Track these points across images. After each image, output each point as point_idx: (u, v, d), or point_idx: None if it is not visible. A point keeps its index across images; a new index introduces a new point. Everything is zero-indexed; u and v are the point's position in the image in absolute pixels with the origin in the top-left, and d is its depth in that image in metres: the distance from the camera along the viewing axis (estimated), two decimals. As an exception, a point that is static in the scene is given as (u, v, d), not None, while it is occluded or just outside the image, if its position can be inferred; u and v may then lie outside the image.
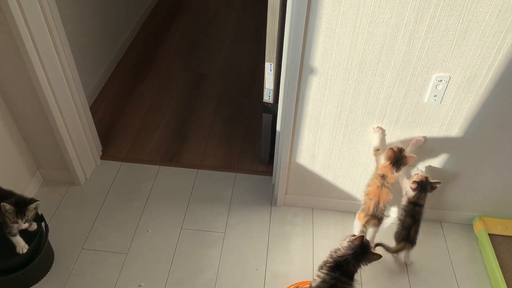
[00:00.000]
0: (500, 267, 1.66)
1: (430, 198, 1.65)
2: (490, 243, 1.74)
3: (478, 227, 1.82)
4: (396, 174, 1.57)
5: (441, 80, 1.42)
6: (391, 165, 1.55)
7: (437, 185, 1.60)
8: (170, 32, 3.16)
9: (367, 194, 1.62)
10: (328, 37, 1.37)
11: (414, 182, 1.59)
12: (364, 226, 1.62)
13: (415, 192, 1.61)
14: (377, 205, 1.59)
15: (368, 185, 1.63)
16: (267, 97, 1.87)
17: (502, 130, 1.55)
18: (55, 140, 1.84)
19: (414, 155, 1.55)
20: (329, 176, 1.82)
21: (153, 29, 3.18)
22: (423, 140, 1.61)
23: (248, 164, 2.18)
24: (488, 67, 1.38)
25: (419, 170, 1.66)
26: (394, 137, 1.62)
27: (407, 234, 1.65)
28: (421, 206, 1.64)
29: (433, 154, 1.66)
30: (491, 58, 1.36)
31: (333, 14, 1.31)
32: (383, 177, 1.58)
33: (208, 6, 3.51)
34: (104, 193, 1.99)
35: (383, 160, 1.57)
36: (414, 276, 1.72)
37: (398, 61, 1.39)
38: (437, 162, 1.69)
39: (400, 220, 1.67)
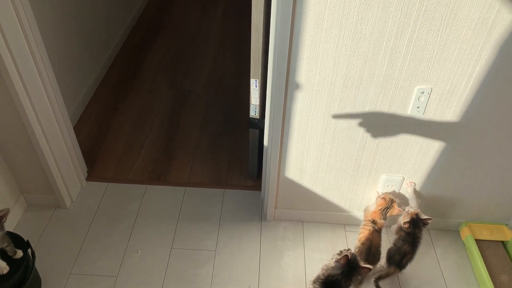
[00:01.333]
0: (488, 271, 1.70)
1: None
2: (477, 248, 1.77)
3: (465, 233, 1.85)
4: (382, 221, 1.68)
5: (423, 92, 1.46)
6: (381, 211, 1.67)
7: (428, 221, 1.63)
8: (153, 49, 3.16)
9: (359, 240, 1.66)
10: (312, 54, 1.39)
11: (405, 222, 1.62)
12: None
13: (407, 231, 1.64)
14: (369, 248, 1.63)
15: (360, 232, 1.69)
16: (253, 112, 1.88)
17: (483, 138, 1.59)
18: (39, 164, 1.81)
19: (400, 209, 1.67)
20: (317, 189, 1.83)
21: (135, 47, 3.17)
22: (414, 183, 1.74)
23: (237, 179, 2.18)
24: (468, 78, 1.43)
25: (410, 206, 1.69)
26: (380, 147, 1.65)
27: (400, 260, 1.65)
28: (419, 237, 1.66)
29: (417, 165, 1.69)
30: (469, 70, 1.40)
31: (316, 31, 1.34)
32: (373, 222, 1.67)
33: (189, 22, 3.53)
34: (91, 215, 1.96)
35: (373, 208, 1.71)
36: (405, 285, 1.73)
37: (381, 75, 1.42)
38: (422, 171, 1.72)
39: (396, 245, 1.67)
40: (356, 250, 1.68)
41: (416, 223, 1.62)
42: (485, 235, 1.84)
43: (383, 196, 1.69)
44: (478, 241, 1.82)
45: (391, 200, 1.68)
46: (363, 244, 1.66)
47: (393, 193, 1.79)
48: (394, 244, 1.67)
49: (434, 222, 1.91)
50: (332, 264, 1.42)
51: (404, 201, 1.78)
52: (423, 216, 1.63)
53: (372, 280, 1.66)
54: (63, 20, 2.29)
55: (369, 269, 1.41)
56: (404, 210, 1.67)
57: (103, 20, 2.80)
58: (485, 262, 1.74)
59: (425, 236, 1.91)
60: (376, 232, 1.69)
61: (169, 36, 3.33)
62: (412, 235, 1.64)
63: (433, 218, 1.88)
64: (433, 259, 1.83)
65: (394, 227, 1.72)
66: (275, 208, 1.94)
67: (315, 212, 1.93)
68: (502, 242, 1.84)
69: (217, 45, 3.25)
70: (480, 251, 1.78)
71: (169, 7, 3.70)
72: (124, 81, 2.83)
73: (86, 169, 2.14)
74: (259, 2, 1.53)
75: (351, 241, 1.88)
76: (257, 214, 2.00)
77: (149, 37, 3.29)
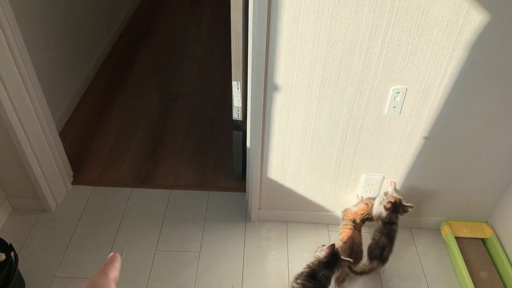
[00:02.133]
0: (467, 268, 1.73)
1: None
2: (457, 245, 1.80)
3: (445, 231, 1.88)
4: (361, 222, 1.74)
5: (398, 92, 1.49)
6: (362, 215, 1.73)
7: (409, 209, 1.67)
8: (140, 54, 3.18)
9: (341, 240, 1.69)
10: (289, 56, 1.42)
11: (389, 202, 1.65)
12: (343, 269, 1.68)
13: (387, 213, 1.67)
14: (351, 248, 1.66)
15: (341, 232, 1.72)
16: (236, 114, 1.91)
17: (460, 136, 1.63)
18: (24, 169, 1.82)
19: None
20: (300, 189, 1.86)
21: (123, 52, 3.19)
22: (394, 183, 1.78)
23: (222, 181, 2.20)
24: (441, 78, 1.46)
25: (397, 192, 1.76)
26: (359, 147, 1.68)
27: (381, 253, 1.68)
28: (396, 224, 1.70)
29: (396, 164, 1.73)
30: (442, 70, 1.44)
31: (292, 34, 1.37)
32: (353, 221, 1.72)
33: (177, 27, 3.56)
34: (76, 218, 1.97)
35: (354, 209, 1.76)
36: (386, 282, 1.76)
37: (356, 76, 1.46)
38: (402, 170, 1.75)
39: (374, 239, 1.71)
40: (339, 249, 1.71)
41: (397, 208, 1.67)
42: (465, 232, 1.87)
43: (366, 202, 1.73)
44: (458, 239, 1.85)
45: (369, 207, 1.73)
46: (345, 243, 1.69)
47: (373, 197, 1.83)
48: (373, 239, 1.70)
49: (415, 220, 1.95)
50: (317, 253, 1.46)
51: None
52: (406, 203, 1.67)
53: (357, 272, 1.69)
54: (47, 24, 2.31)
55: (349, 261, 1.45)
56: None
57: (90, 25, 2.82)
58: (465, 259, 1.77)
59: (407, 234, 1.94)
60: (357, 231, 1.72)
61: (157, 41, 3.36)
62: (387, 226, 1.67)
63: (414, 216, 1.92)
64: (414, 256, 1.86)
65: (375, 212, 1.75)
66: (259, 209, 1.96)
67: (298, 212, 1.95)
68: (482, 239, 1.88)
69: (204, 49, 3.28)
70: (460, 248, 1.81)
71: (156, 12, 3.73)
72: (111, 86, 2.85)
73: (71, 173, 2.16)
74: (238, 6, 1.56)
75: (334, 240, 1.90)
76: (242, 215, 2.02)
77: (136, 42, 3.31)
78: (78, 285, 0.51)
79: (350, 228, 1.70)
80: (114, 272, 0.55)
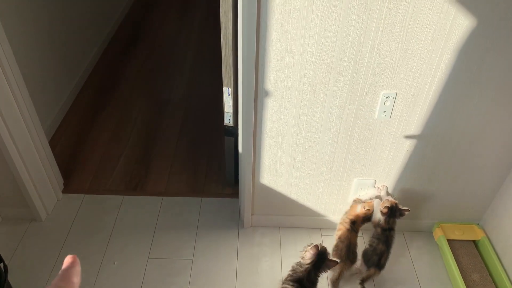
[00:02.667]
0: (460, 271, 1.73)
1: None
2: (449, 248, 1.81)
3: (438, 233, 1.89)
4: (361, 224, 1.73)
5: (388, 97, 1.50)
6: (362, 218, 1.72)
7: (406, 212, 1.68)
8: (130, 60, 3.17)
9: (339, 238, 1.69)
10: (279, 62, 1.42)
11: (385, 207, 1.66)
12: (341, 270, 1.68)
13: (385, 218, 1.67)
14: (348, 247, 1.66)
15: (339, 229, 1.72)
16: (228, 120, 1.90)
17: (450, 140, 1.64)
18: (13, 178, 1.80)
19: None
20: (292, 194, 1.86)
21: (112, 58, 3.18)
22: (386, 187, 1.79)
23: (214, 187, 2.19)
24: (430, 82, 1.47)
25: (390, 195, 1.76)
26: (350, 151, 1.68)
27: (378, 260, 1.68)
28: (393, 230, 1.70)
29: (388, 168, 1.73)
30: (431, 74, 1.45)
31: (281, 40, 1.37)
32: (353, 222, 1.71)
33: (167, 32, 3.55)
34: (67, 227, 1.95)
35: (359, 209, 1.73)
36: (380, 286, 1.76)
37: (346, 81, 1.46)
38: (393, 174, 1.76)
39: (371, 246, 1.70)
40: (336, 248, 1.70)
41: (394, 212, 1.67)
42: (457, 235, 1.88)
43: (368, 208, 1.73)
44: (450, 241, 1.86)
45: (368, 206, 1.73)
46: (342, 242, 1.69)
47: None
48: (370, 245, 1.70)
49: (408, 223, 1.95)
50: (303, 254, 1.45)
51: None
52: (402, 207, 1.68)
53: (358, 282, 1.68)
54: (36, 33, 2.29)
55: (336, 262, 1.44)
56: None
57: (79, 32, 2.81)
58: (457, 262, 1.78)
59: (400, 238, 1.95)
60: (354, 232, 1.72)
61: (147, 46, 3.35)
62: (385, 233, 1.67)
63: (407, 220, 1.92)
64: (407, 260, 1.87)
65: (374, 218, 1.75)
66: (252, 214, 1.95)
67: (291, 217, 1.95)
68: (474, 241, 1.89)
69: (195, 54, 3.28)
70: (452, 250, 1.82)
71: (147, 18, 3.72)
72: (102, 92, 2.83)
73: (62, 182, 2.13)
74: (228, 13, 1.56)
75: (328, 245, 1.89)
76: (235, 221, 2.01)
77: (127, 48, 3.30)
78: None
79: (348, 229, 1.70)
80: (77, 277, 0.52)
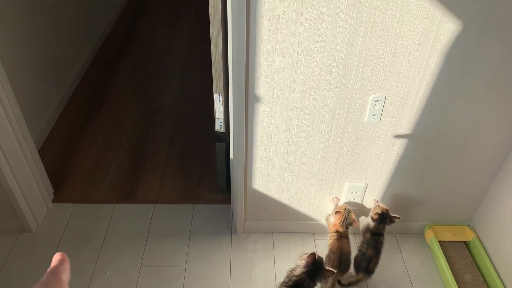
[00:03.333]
0: (452, 272, 1.75)
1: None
2: (441, 249, 1.83)
3: (429, 235, 1.91)
4: (345, 229, 1.71)
5: (377, 100, 1.52)
6: (341, 223, 1.70)
7: (396, 220, 1.68)
8: (119, 68, 3.16)
9: (330, 249, 1.69)
10: (269, 67, 1.43)
11: (376, 213, 1.66)
12: (333, 281, 1.67)
13: (375, 224, 1.68)
14: (340, 257, 1.66)
15: (329, 241, 1.72)
16: (219, 126, 1.90)
17: (439, 141, 1.66)
18: (2, 188, 1.77)
19: (358, 223, 1.73)
20: (285, 199, 1.86)
21: (102, 66, 3.16)
22: (376, 200, 1.80)
23: (206, 194, 2.19)
24: (418, 86, 1.49)
25: (380, 202, 1.77)
26: (341, 155, 1.69)
27: (367, 265, 1.68)
28: (382, 235, 1.71)
29: (379, 171, 1.75)
30: (419, 78, 1.47)
31: (271, 46, 1.38)
32: (337, 232, 1.71)
33: (157, 39, 3.55)
34: (58, 237, 1.93)
35: (333, 220, 1.73)
36: (374, 289, 1.77)
37: (336, 85, 1.48)
38: (384, 177, 1.77)
39: (360, 251, 1.71)
40: (328, 259, 1.71)
41: (384, 218, 1.67)
42: (448, 236, 1.90)
43: (337, 210, 1.72)
44: (441, 243, 1.87)
45: (347, 211, 1.72)
46: (334, 253, 1.69)
47: (349, 202, 1.85)
48: (359, 250, 1.70)
49: (399, 226, 1.96)
50: (299, 262, 1.44)
51: (361, 209, 1.83)
52: (392, 214, 1.68)
53: (341, 283, 1.68)
54: (24, 41, 2.27)
55: (333, 273, 1.43)
56: (359, 220, 1.77)
57: (68, 39, 2.79)
58: (449, 263, 1.79)
59: (392, 240, 1.96)
60: (344, 239, 1.72)
61: (137, 54, 3.34)
62: (375, 237, 1.67)
63: (398, 222, 1.94)
64: (399, 262, 1.88)
65: (363, 225, 1.75)
66: (245, 220, 1.95)
67: (284, 222, 1.95)
68: (465, 242, 1.91)
69: (184, 61, 3.28)
70: (444, 252, 1.83)
71: (136, 25, 3.72)
72: (92, 100, 2.81)
73: (52, 191, 2.11)
74: (217, 19, 1.57)
75: (321, 249, 1.91)
76: (227, 227, 2.00)
77: (116, 56, 3.29)
78: None
79: (336, 239, 1.70)
80: (66, 275, 0.51)
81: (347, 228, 1.72)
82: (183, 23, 3.78)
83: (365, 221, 1.75)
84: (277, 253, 1.90)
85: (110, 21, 3.60)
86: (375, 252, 1.67)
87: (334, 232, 1.72)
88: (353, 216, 1.72)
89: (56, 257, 0.52)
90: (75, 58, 2.95)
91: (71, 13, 2.82)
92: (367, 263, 1.67)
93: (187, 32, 3.65)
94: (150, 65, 3.22)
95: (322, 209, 1.90)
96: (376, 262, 1.68)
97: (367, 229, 1.72)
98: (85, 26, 3.08)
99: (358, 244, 1.74)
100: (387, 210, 1.69)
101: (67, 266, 0.52)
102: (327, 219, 1.81)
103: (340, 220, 1.71)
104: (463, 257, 1.84)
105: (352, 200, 1.84)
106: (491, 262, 1.78)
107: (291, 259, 1.85)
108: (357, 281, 1.70)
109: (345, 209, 1.71)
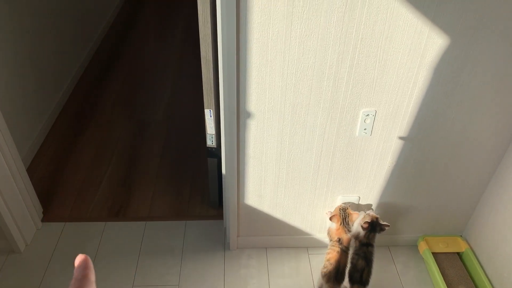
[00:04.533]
0: (446, 283, 1.75)
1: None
2: (434, 261, 1.83)
3: (422, 247, 1.91)
4: (349, 234, 1.68)
5: (368, 115, 1.52)
6: (342, 225, 1.67)
7: (386, 228, 1.68)
8: (110, 81, 3.14)
9: (328, 260, 1.68)
10: (260, 84, 1.43)
11: (366, 222, 1.66)
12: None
13: (365, 232, 1.68)
14: (337, 269, 1.65)
15: (327, 253, 1.70)
16: (210, 142, 1.90)
17: (430, 154, 1.67)
18: (-11, 208, 1.74)
19: (357, 212, 1.71)
20: (278, 214, 1.85)
21: (91, 81, 3.15)
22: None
23: (198, 209, 2.17)
24: (408, 99, 1.50)
25: (370, 210, 1.76)
26: (333, 169, 1.69)
27: (360, 277, 1.67)
28: (372, 246, 1.70)
29: (371, 184, 1.75)
30: (409, 92, 1.48)
31: (261, 62, 1.38)
32: (339, 241, 1.68)
33: (147, 52, 3.55)
34: (47, 257, 1.89)
35: (334, 226, 1.70)
36: (369, 303, 1.75)
37: (327, 101, 1.48)
38: (376, 190, 1.77)
39: (352, 263, 1.70)
40: (325, 270, 1.69)
41: (374, 227, 1.67)
42: (441, 247, 1.90)
43: (334, 214, 1.72)
44: (435, 254, 1.88)
45: (343, 210, 1.70)
46: (331, 264, 1.67)
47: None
48: (351, 263, 1.69)
49: (393, 238, 1.96)
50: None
51: (359, 208, 1.82)
52: (382, 222, 1.68)
53: None
54: (11, 57, 2.25)
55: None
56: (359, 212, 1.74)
57: (57, 55, 2.77)
58: (443, 274, 1.79)
59: (385, 253, 1.96)
60: (344, 253, 1.70)
61: (127, 68, 3.33)
62: (363, 248, 1.67)
63: (391, 234, 1.94)
64: (394, 275, 1.87)
65: (354, 231, 1.74)
66: (238, 236, 1.93)
67: (277, 237, 1.94)
68: (458, 253, 1.91)
69: (175, 75, 3.28)
70: (437, 263, 1.83)
71: (126, 39, 3.71)
72: (81, 116, 2.79)
73: (41, 210, 2.08)
74: (207, 36, 1.57)
75: (315, 264, 1.90)
76: (220, 243, 1.98)
77: (106, 69, 3.28)
78: None
79: (338, 252, 1.68)
80: (93, 276, 0.50)
81: (350, 228, 1.69)
82: (172, 37, 3.79)
83: (357, 229, 1.73)
84: (271, 268, 1.88)
85: (99, 35, 3.59)
86: (366, 263, 1.66)
87: (337, 241, 1.69)
88: (349, 211, 1.70)
89: (80, 258, 0.50)
90: (63, 74, 2.92)
91: (59, 28, 2.81)
92: (360, 274, 1.67)
93: (177, 46, 3.65)
94: (140, 79, 3.21)
95: (316, 223, 1.89)
96: (369, 273, 1.67)
97: (357, 236, 1.71)
98: (74, 41, 3.07)
99: (350, 255, 1.72)
100: (376, 218, 1.68)
101: (91, 266, 0.51)
102: (328, 232, 1.79)
103: (339, 222, 1.69)
104: (456, 268, 1.84)
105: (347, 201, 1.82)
106: (485, 272, 1.78)
107: (285, 275, 1.85)
108: None
109: (339, 209, 1.69)
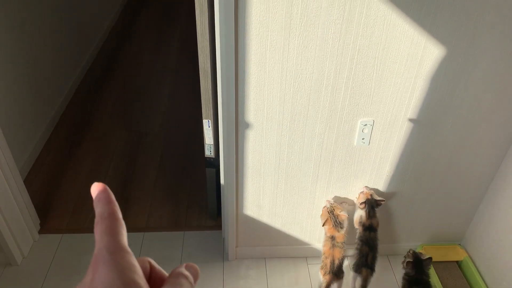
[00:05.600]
0: (446, 293, 1.74)
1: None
2: (434, 270, 1.82)
3: (421, 256, 1.91)
4: (342, 232, 1.66)
5: (366, 124, 1.53)
6: (334, 227, 1.65)
7: (382, 202, 1.68)
8: (107, 92, 3.14)
9: (323, 253, 1.68)
10: (258, 94, 1.44)
11: (361, 203, 1.67)
12: (329, 283, 1.65)
13: (365, 212, 1.68)
14: (332, 262, 1.64)
15: (323, 246, 1.70)
16: (208, 152, 1.90)
17: (427, 162, 1.68)
18: (-14, 220, 1.72)
19: (346, 214, 1.67)
20: (276, 224, 1.85)
21: (87, 92, 3.14)
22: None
23: (196, 220, 2.16)
24: (405, 109, 1.52)
25: (364, 187, 1.74)
26: (332, 178, 1.70)
27: (365, 261, 1.68)
28: (375, 231, 1.70)
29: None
30: (406, 101, 1.49)
31: (260, 73, 1.39)
32: (332, 238, 1.67)
33: (143, 63, 3.56)
34: (45, 270, 1.87)
35: (326, 228, 1.68)
36: (369, 313, 1.75)
37: (325, 111, 1.49)
38: (375, 199, 1.78)
39: (357, 249, 1.71)
40: (321, 264, 1.69)
41: (371, 204, 1.67)
42: (440, 256, 1.90)
43: (325, 219, 1.68)
44: (434, 263, 1.87)
45: (331, 213, 1.68)
46: (326, 257, 1.67)
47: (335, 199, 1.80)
48: (356, 249, 1.70)
49: (392, 247, 1.96)
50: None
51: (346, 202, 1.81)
52: (377, 197, 1.68)
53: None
54: (9, 69, 2.25)
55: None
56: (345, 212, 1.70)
57: (53, 67, 2.78)
58: (442, 283, 1.79)
59: (384, 262, 1.95)
60: (338, 248, 1.67)
61: (123, 78, 3.34)
62: (366, 233, 1.67)
63: (390, 243, 1.94)
64: (393, 284, 1.87)
65: (356, 217, 1.74)
66: (237, 247, 1.93)
67: (276, 247, 1.93)
68: (457, 262, 1.91)
69: (171, 85, 3.28)
70: (436, 272, 1.83)
71: (122, 49, 3.72)
72: (78, 127, 2.78)
73: (38, 222, 2.06)
74: (205, 47, 1.58)
75: (314, 274, 1.89)
76: (219, 254, 1.97)
77: (102, 80, 3.28)
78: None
79: (329, 246, 1.67)
80: (120, 213, 0.35)
81: (342, 226, 1.66)
82: (168, 48, 3.81)
83: (357, 213, 1.73)
84: (270, 279, 1.87)
85: (95, 47, 3.60)
86: (369, 248, 1.66)
87: (329, 237, 1.67)
88: (337, 211, 1.67)
89: (98, 189, 0.35)
90: (60, 85, 2.92)
91: (56, 40, 2.82)
92: (365, 259, 1.67)
93: (173, 57, 3.67)
94: (136, 91, 3.21)
95: (315, 233, 1.89)
96: (374, 258, 1.67)
97: (360, 221, 1.71)
98: (70, 53, 3.08)
99: (355, 243, 1.71)
100: (371, 195, 1.68)
101: (114, 198, 0.35)
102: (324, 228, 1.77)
103: (330, 225, 1.66)
104: (456, 277, 1.84)
105: (336, 196, 1.79)
106: (484, 281, 1.78)
107: (285, 285, 1.84)
108: (364, 281, 1.67)
109: (327, 212, 1.67)
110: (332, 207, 1.68)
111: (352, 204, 1.78)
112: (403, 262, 1.67)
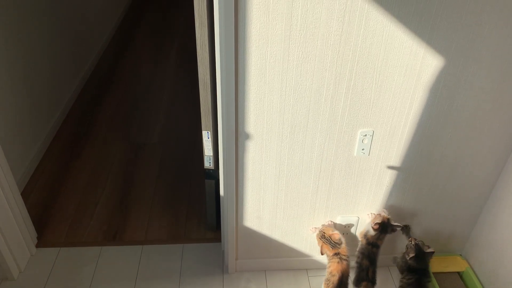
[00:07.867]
0: (448, 304, 1.73)
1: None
2: (435, 281, 1.81)
3: (423, 267, 1.89)
4: (343, 246, 1.65)
5: (365, 135, 1.53)
6: (331, 248, 1.65)
7: (397, 228, 1.68)
8: (105, 104, 3.14)
9: (330, 272, 1.66)
10: (258, 105, 1.44)
11: (376, 223, 1.65)
12: None
13: (376, 233, 1.67)
14: (341, 280, 1.62)
15: (328, 267, 1.67)
16: (208, 163, 1.89)
17: (427, 173, 1.67)
18: (-18, 234, 1.70)
19: (338, 232, 1.67)
20: (277, 235, 1.83)
21: (86, 104, 3.14)
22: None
23: (196, 232, 2.14)
24: (405, 120, 1.52)
25: (383, 210, 1.75)
26: (332, 189, 1.69)
27: (366, 275, 1.67)
28: (378, 247, 1.69)
29: (370, 204, 1.74)
30: (406, 112, 1.50)
31: (260, 84, 1.39)
32: (336, 254, 1.66)
33: (141, 74, 3.56)
34: (42, 284, 1.84)
35: (327, 252, 1.68)
36: (371, 326, 1.72)
37: (324, 121, 1.49)
38: (375, 210, 1.77)
39: (357, 263, 1.70)
40: (327, 282, 1.67)
41: (385, 228, 1.66)
42: (441, 267, 1.89)
43: (321, 245, 1.69)
44: (435, 274, 1.86)
45: (321, 237, 1.68)
46: (334, 275, 1.65)
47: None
48: (356, 262, 1.69)
49: (392, 258, 1.95)
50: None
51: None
52: (394, 223, 1.67)
53: None
54: (5, 82, 2.25)
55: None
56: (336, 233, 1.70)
57: (51, 79, 2.78)
58: (444, 295, 1.78)
59: (385, 273, 1.94)
60: (345, 261, 1.66)
61: (122, 90, 3.34)
62: (369, 247, 1.66)
63: (391, 254, 1.93)
64: (395, 296, 1.85)
65: (362, 229, 1.73)
66: (236, 259, 1.91)
67: (277, 259, 1.91)
68: (458, 273, 1.90)
69: (170, 96, 3.29)
70: (438, 284, 1.81)
71: (121, 61, 3.73)
72: (76, 139, 2.77)
73: (35, 235, 2.04)
74: (205, 59, 1.59)
75: (315, 286, 1.87)
76: (219, 267, 1.95)
77: (101, 92, 3.28)
78: None
79: (338, 262, 1.65)
80: None
81: (338, 242, 1.66)
82: (167, 60, 3.82)
83: (366, 227, 1.72)
84: (271, 292, 1.85)
85: (94, 58, 3.61)
86: (370, 263, 1.65)
87: (334, 255, 1.67)
88: (328, 232, 1.66)
89: None
90: (58, 97, 2.92)
91: (55, 51, 2.82)
92: (366, 273, 1.66)
93: (172, 68, 3.68)
94: (134, 102, 3.21)
95: (315, 244, 1.86)
96: (374, 272, 1.67)
97: (365, 235, 1.70)
98: (68, 64, 3.08)
99: (356, 253, 1.71)
100: (388, 219, 1.67)
101: None
102: (322, 252, 1.75)
103: (329, 247, 1.66)
104: (458, 288, 1.83)
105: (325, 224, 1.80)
106: (486, 292, 1.77)
107: (286, 298, 1.82)
108: None
109: (319, 238, 1.67)
110: (322, 232, 1.68)
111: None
112: (406, 253, 1.67)
